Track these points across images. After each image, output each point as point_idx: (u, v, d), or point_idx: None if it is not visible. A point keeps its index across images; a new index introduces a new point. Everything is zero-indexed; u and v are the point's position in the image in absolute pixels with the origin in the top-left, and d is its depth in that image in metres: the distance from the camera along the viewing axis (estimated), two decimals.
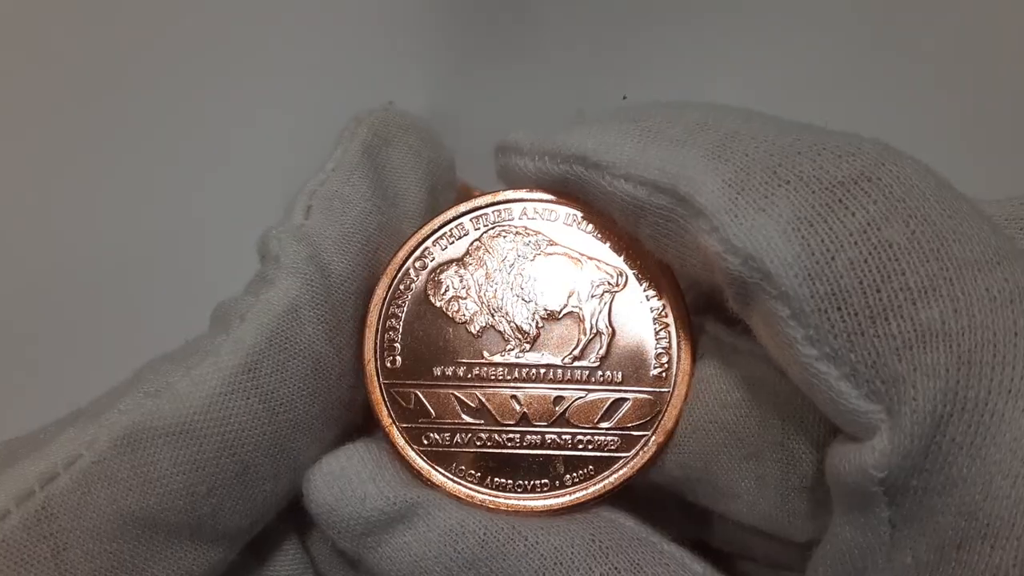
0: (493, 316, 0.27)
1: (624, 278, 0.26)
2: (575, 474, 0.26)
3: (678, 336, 0.26)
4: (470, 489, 0.26)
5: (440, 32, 0.39)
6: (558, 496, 0.26)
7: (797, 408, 0.24)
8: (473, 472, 0.26)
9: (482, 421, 0.26)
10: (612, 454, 0.26)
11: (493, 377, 0.26)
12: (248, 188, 0.38)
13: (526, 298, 0.27)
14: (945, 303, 0.19)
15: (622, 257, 0.27)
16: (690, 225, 0.22)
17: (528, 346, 0.27)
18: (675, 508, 0.27)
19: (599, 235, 0.27)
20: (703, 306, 0.27)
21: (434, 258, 0.27)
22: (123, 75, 0.38)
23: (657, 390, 0.26)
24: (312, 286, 0.25)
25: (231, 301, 0.26)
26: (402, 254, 0.27)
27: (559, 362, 0.26)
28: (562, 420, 0.26)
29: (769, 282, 0.20)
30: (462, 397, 0.26)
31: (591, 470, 0.26)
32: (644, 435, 0.26)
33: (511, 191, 0.27)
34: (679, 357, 0.26)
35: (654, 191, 0.22)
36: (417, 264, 0.27)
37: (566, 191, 0.26)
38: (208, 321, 0.27)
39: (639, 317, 0.26)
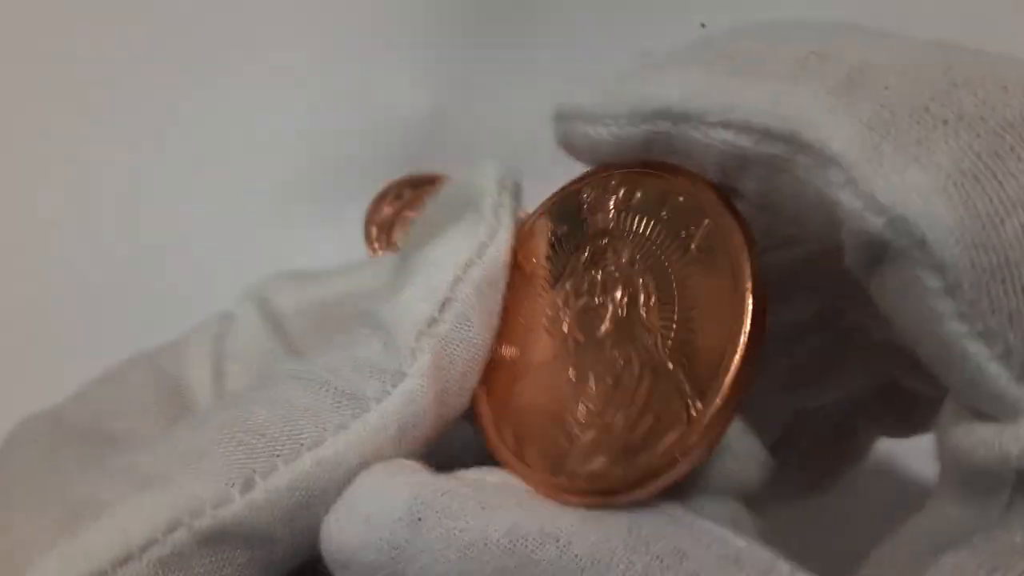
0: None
1: None
2: None
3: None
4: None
5: (440, 31, 0.39)
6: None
7: None
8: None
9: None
10: None
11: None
12: (245, 190, 0.37)
13: None
14: None
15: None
16: (815, 177, 0.18)
17: None
18: None
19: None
20: None
21: None
22: (121, 76, 0.37)
23: None
24: (423, 414, 0.22)
25: (353, 377, 0.22)
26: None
27: None
28: None
29: (921, 249, 0.17)
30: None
31: None
32: None
33: None
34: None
35: (763, 139, 0.19)
36: None
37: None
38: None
39: None
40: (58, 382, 0.31)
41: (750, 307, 0.21)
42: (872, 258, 0.18)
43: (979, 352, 0.17)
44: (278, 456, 0.21)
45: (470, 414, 0.24)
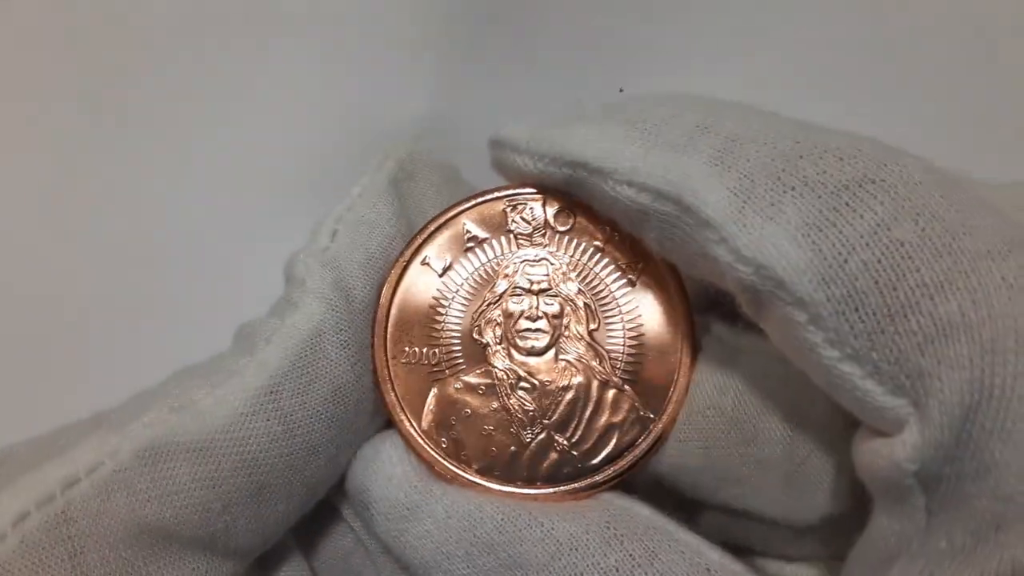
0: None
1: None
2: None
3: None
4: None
5: (440, 32, 0.39)
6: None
7: (799, 390, 0.24)
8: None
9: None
10: None
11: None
12: (247, 190, 0.38)
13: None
14: (962, 295, 0.19)
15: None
16: (697, 235, 0.22)
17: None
18: (672, 509, 0.27)
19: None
20: (706, 304, 0.27)
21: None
22: (125, 81, 0.38)
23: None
24: (336, 311, 0.25)
25: (257, 323, 0.26)
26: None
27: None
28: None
29: (783, 290, 0.20)
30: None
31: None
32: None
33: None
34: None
35: (658, 198, 0.22)
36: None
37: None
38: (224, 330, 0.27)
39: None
40: (60, 375, 0.33)
41: (688, 339, 0.26)
42: (755, 303, 0.22)
43: (853, 372, 0.20)
44: (211, 383, 0.24)
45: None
